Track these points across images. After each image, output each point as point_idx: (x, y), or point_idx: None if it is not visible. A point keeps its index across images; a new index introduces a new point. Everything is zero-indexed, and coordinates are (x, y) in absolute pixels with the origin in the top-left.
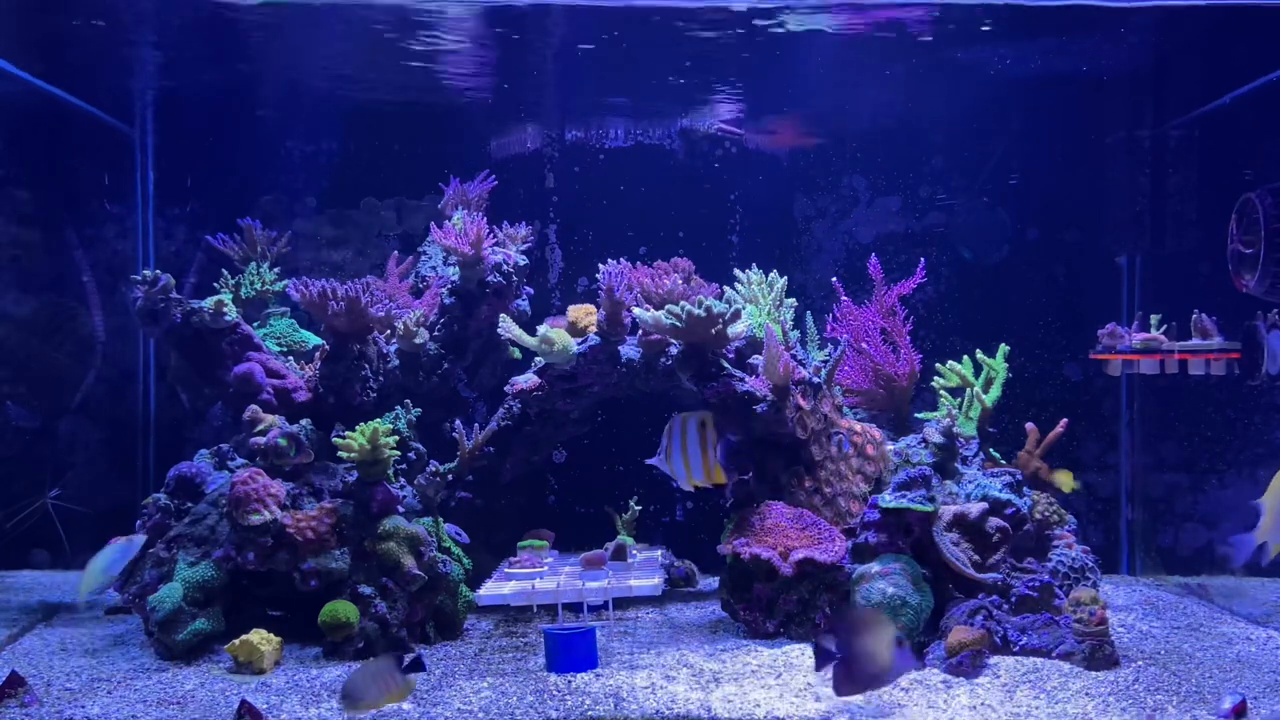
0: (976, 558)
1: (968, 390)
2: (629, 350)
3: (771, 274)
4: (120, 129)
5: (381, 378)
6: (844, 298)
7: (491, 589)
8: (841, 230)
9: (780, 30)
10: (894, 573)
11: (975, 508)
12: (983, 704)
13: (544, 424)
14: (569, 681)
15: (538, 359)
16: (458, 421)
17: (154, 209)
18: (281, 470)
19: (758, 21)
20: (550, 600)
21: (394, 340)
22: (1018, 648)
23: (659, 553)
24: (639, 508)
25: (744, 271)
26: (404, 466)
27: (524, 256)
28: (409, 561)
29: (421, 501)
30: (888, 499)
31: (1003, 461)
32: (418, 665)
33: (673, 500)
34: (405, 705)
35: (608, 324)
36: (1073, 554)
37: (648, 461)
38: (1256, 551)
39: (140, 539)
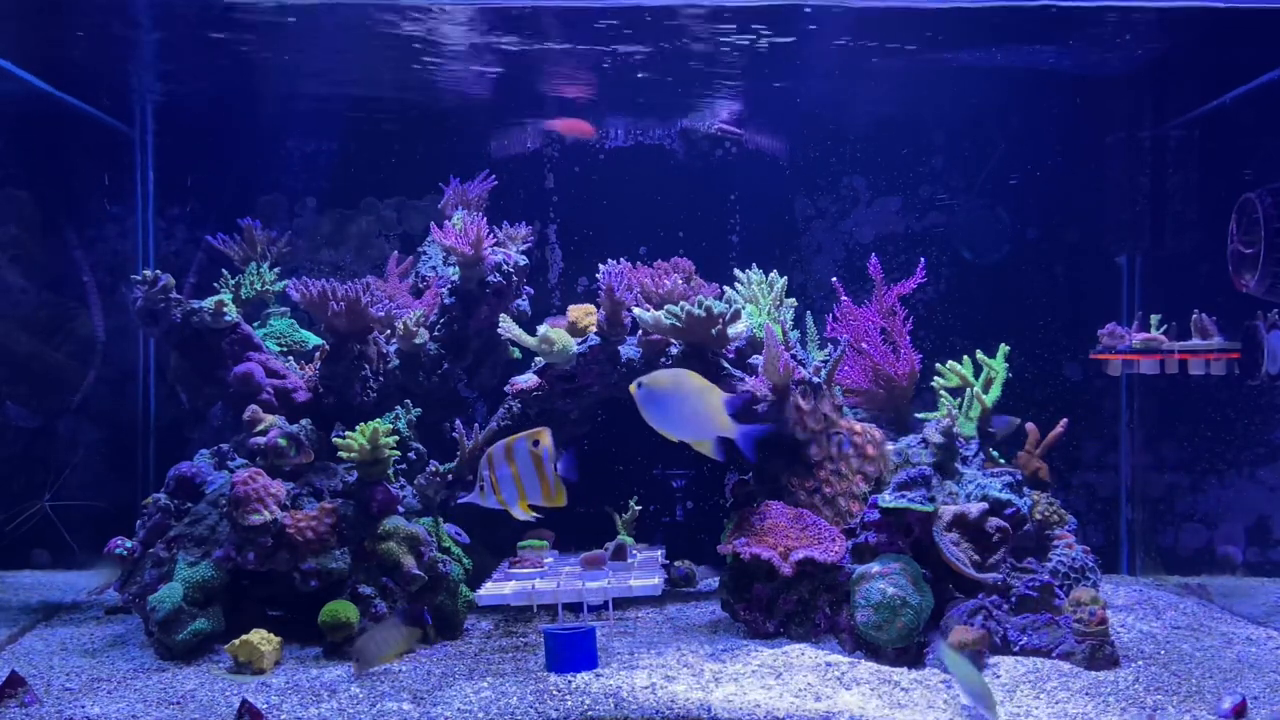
0: (976, 558)
1: (968, 390)
2: (629, 350)
3: (771, 274)
4: (120, 129)
5: (381, 378)
6: (844, 298)
7: (492, 589)
8: (841, 230)
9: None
10: (894, 573)
11: (975, 508)
12: None
13: (544, 424)
14: (569, 681)
15: (538, 359)
16: (458, 421)
17: (154, 209)
18: (281, 470)
19: (755, 23)
20: (550, 600)
21: (394, 340)
22: (1018, 648)
23: (659, 553)
24: (639, 508)
25: (744, 271)
26: (404, 466)
27: (524, 256)
28: (409, 561)
29: (421, 501)
30: (888, 499)
31: (1003, 461)
32: (417, 618)
33: (673, 500)
34: (406, 705)
35: (608, 324)
36: (1073, 554)
37: (459, 500)
38: None
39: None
